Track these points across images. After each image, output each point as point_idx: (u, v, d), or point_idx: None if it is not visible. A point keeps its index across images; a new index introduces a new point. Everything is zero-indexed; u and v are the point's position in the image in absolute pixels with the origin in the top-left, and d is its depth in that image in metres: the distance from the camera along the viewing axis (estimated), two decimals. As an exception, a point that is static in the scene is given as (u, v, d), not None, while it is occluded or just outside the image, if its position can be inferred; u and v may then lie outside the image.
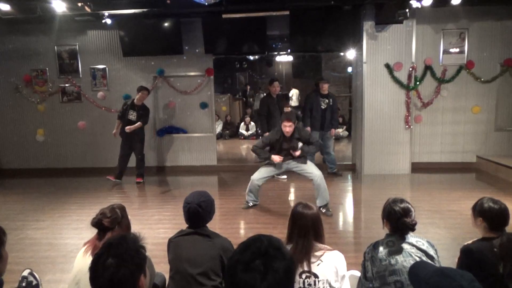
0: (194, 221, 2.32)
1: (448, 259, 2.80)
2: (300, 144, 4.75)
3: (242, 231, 4.53)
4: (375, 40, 6.66)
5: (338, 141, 10.23)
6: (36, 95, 7.51)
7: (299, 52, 9.68)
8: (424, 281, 1.34)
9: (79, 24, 7.09)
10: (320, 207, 4.69)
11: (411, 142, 6.89)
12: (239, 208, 5.06)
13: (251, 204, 5.06)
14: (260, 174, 4.94)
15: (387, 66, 6.66)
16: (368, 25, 6.61)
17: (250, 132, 11.51)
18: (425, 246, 2.08)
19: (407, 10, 5.97)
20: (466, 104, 7.01)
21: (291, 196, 5.82)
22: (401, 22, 6.40)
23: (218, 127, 11.31)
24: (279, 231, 4.00)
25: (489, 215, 2.21)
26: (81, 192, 6.11)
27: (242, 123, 11.81)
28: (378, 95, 6.75)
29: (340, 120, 10.38)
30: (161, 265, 2.85)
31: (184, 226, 2.40)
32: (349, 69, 11.29)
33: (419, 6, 5.79)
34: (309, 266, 1.99)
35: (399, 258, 2.03)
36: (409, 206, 2.15)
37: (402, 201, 2.18)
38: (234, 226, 4.59)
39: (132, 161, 6.50)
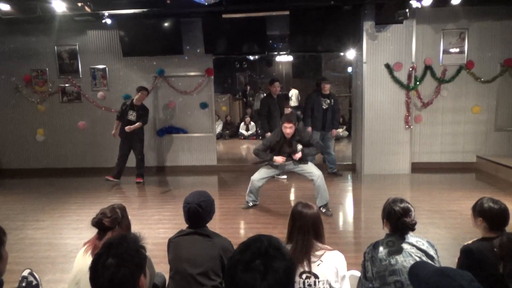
0: (194, 221, 2.32)
1: (448, 259, 2.80)
2: (299, 147, 4.74)
3: (242, 231, 4.53)
4: (375, 40, 6.66)
5: (338, 141, 10.23)
6: (36, 95, 7.51)
7: (299, 52, 9.66)
8: (424, 281, 1.34)
9: (79, 24, 7.09)
10: (320, 207, 4.69)
11: (411, 142, 6.89)
12: (239, 208, 5.06)
13: (251, 204, 5.07)
14: (260, 175, 4.94)
15: (387, 66, 6.66)
16: (368, 25, 6.61)
17: (250, 132, 11.51)
18: (425, 246, 2.08)
19: (407, 10, 5.97)
20: (466, 104, 7.01)
21: (291, 196, 5.82)
22: (401, 22, 6.40)
23: (218, 127, 11.31)
24: (279, 231, 4.00)
25: (489, 215, 2.21)
26: (81, 192, 6.11)
27: (242, 123, 11.81)
28: (378, 95, 6.75)
29: (340, 120, 10.36)
30: (161, 265, 2.85)
31: (184, 226, 2.40)
32: (349, 69, 11.29)
33: (419, 6, 5.79)
34: (309, 266, 1.99)
35: (399, 258, 2.03)
36: (409, 206, 2.15)
37: (402, 201, 2.18)
38: (234, 226, 4.59)
39: (131, 161, 6.50)
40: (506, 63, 6.82)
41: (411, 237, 2.12)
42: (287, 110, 6.85)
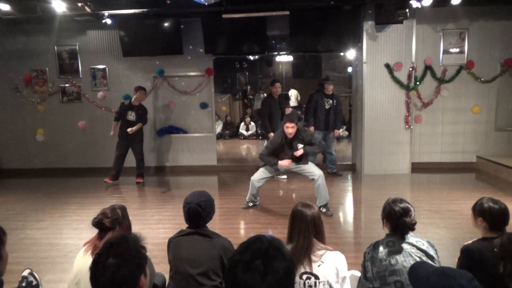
0: (194, 221, 2.32)
1: (448, 259, 2.81)
2: (300, 145, 4.74)
3: (242, 231, 4.53)
4: (375, 40, 6.66)
5: (338, 141, 10.22)
6: (36, 95, 7.51)
7: (299, 52, 9.66)
8: (424, 281, 1.34)
9: (79, 24, 7.09)
10: (320, 206, 4.69)
11: (411, 142, 6.89)
12: (239, 208, 5.07)
13: (251, 204, 5.07)
14: (260, 175, 4.94)
15: (387, 66, 6.66)
16: (368, 25, 6.61)
17: (250, 132, 11.51)
18: (425, 246, 2.09)
19: (407, 10, 5.98)
20: (466, 104, 7.01)
21: (291, 196, 5.82)
22: (401, 22, 6.40)
23: (218, 127, 11.31)
24: (279, 231, 4.01)
25: (489, 215, 2.21)
26: (81, 192, 6.11)
27: (242, 123, 11.81)
28: (378, 95, 6.75)
29: (340, 120, 10.37)
30: (161, 265, 2.86)
31: (184, 226, 2.40)
32: (349, 69, 11.29)
33: (419, 6, 5.79)
34: (309, 267, 1.98)
35: (399, 258, 2.03)
36: (409, 206, 2.15)
37: (401, 201, 2.18)
38: (234, 226, 4.59)
39: (131, 161, 6.50)
40: (506, 63, 6.82)
41: (411, 237, 2.12)
42: (288, 110, 6.85)
